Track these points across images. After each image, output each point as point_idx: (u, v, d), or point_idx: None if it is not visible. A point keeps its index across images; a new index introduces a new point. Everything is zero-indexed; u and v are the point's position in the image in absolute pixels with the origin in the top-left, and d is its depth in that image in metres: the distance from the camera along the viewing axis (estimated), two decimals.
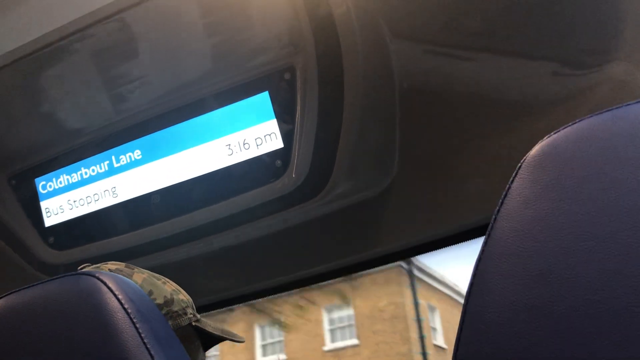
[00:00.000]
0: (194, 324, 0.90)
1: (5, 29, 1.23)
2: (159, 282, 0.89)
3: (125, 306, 0.55)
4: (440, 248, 1.35)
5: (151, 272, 0.92)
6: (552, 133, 0.46)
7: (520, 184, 0.44)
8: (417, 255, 1.38)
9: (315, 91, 1.21)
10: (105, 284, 0.57)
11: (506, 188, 0.45)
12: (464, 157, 1.26)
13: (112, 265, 0.89)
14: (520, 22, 1.11)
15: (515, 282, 0.41)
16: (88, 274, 0.59)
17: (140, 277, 0.87)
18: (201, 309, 1.52)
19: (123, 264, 0.91)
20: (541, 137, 1.20)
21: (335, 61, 1.17)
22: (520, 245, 0.41)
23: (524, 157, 0.46)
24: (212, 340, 0.95)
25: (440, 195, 1.31)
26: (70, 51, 1.23)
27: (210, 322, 0.95)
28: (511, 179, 0.45)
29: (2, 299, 0.62)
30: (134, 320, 0.54)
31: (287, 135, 1.24)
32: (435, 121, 1.24)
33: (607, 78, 1.09)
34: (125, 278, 0.61)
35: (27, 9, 1.20)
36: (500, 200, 0.45)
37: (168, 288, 0.90)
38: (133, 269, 0.89)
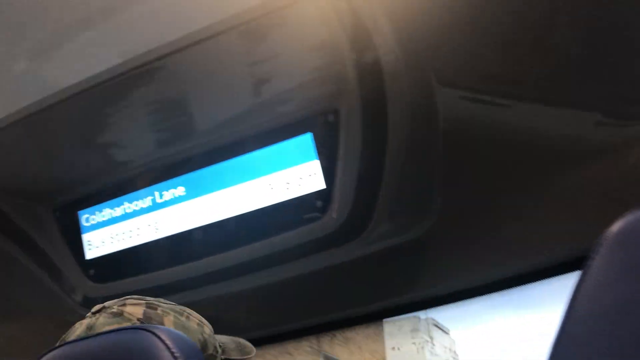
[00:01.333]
0: (222, 358, 0.89)
1: (54, 67, 1.27)
2: (184, 319, 0.87)
3: None
4: (479, 295, 1.32)
5: (174, 308, 0.88)
6: (635, 209, 0.44)
7: (601, 262, 0.43)
8: (456, 300, 1.36)
9: (358, 134, 1.21)
10: (161, 339, 0.57)
11: (587, 265, 0.44)
12: (505, 203, 1.25)
13: (134, 308, 0.84)
14: (562, 72, 1.10)
15: None
16: (144, 328, 0.59)
17: (170, 320, 0.85)
18: None
19: (144, 302, 0.86)
20: (584, 188, 1.18)
21: (379, 106, 1.17)
22: (599, 329, 0.40)
23: (604, 234, 0.44)
24: None
25: (480, 242, 1.29)
26: (119, 90, 1.26)
27: (226, 341, 0.94)
28: (592, 254, 0.44)
29: (53, 352, 0.63)
30: None
31: (329, 176, 1.24)
32: (478, 168, 1.23)
33: None
34: (180, 333, 0.61)
35: (74, 49, 1.23)
36: (580, 278, 0.44)
37: (194, 324, 0.87)
38: (157, 309, 0.85)
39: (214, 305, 1.36)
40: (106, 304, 0.86)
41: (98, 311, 0.84)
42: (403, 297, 1.40)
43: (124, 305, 0.85)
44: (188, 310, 0.91)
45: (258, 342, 1.50)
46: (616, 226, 0.44)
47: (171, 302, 0.90)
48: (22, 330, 1.56)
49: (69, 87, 1.24)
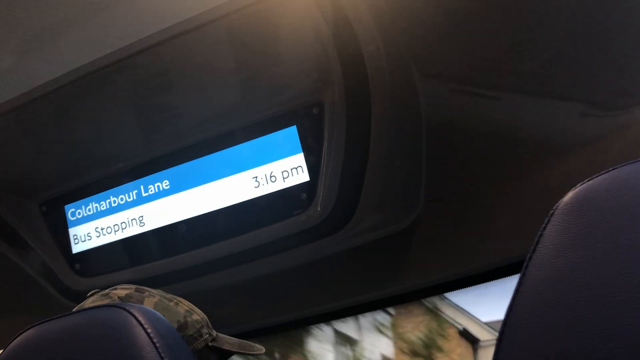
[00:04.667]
0: (210, 344, 0.89)
1: (41, 60, 1.27)
2: (171, 304, 0.89)
3: (154, 340, 0.56)
4: (465, 287, 1.33)
5: (163, 293, 0.91)
6: (585, 181, 0.45)
7: (552, 231, 0.44)
8: (441, 293, 1.36)
9: (342, 126, 1.22)
10: (134, 317, 0.58)
11: (537, 235, 0.45)
12: (490, 195, 1.26)
13: (122, 290, 0.89)
14: (548, 63, 1.11)
15: (547, 333, 0.40)
16: (118, 306, 0.60)
17: (152, 301, 0.87)
18: None
19: (134, 287, 0.91)
20: (569, 178, 1.19)
21: (363, 97, 1.18)
22: (552, 294, 0.41)
23: (556, 204, 0.45)
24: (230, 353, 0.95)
25: (465, 233, 1.30)
26: (103, 83, 1.26)
27: (227, 337, 0.95)
28: (543, 225, 0.45)
29: (32, 329, 0.63)
30: (162, 355, 0.55)
31: (313, 169, 1.25)
32: (461, 159, 1.24)
33: (636, 120, 1.08)
34: (155, 311, 0.61)
35: (61, 43, 1.23)
36: (532, 247, 0.44)
37: (181, 310, 0.89)
38: (143, 293, 0.89)
39: (199, 299, 1.36)
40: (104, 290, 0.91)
41: (92, 294, 0.90)
42: (391, 290, 1.41)
43: (115, 289, 0.90)
44: (180, 299, 0.92)
45: (245, 336, 1.50)
46: (566, 198, 0.45)
47: (164, 292, 0.92)
48: (6, 325, 1.56)
49: (54, 79, 1.24)
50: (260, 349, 0.98)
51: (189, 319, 0.88)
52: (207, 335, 0.89)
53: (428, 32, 1.09)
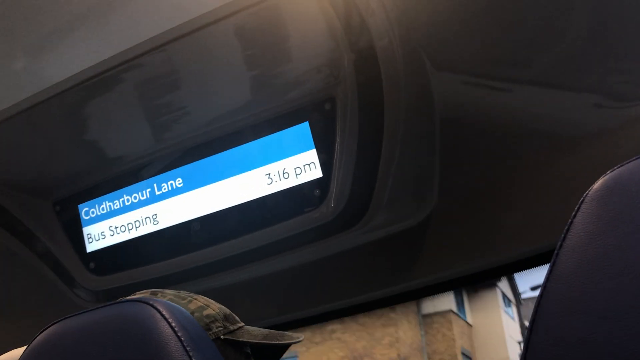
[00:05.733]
0: (223, 337, 0.85)
1: (52, 61, 1.28)
2: (183, 302, 0.87)
3: (179, 334, 0.56)
4: (479, 282, 1.32)
5: (177, 292, 0.89)
6: (615, 168, 0.45)
7: (583, 219, 0.43)
8: (454, 288, 1.36)
9: (355, 122, 1.21)
10: (158, 311, 0.58)
11: (568, 222, 0.44)
12: (504, 188, 1.25)
13: (138, 295, 0.88)
14: (561, 54, 1.11)
15: (580, 320, 0.40)
16: (141, 300, 0.60)
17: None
18: None
19: (149, 291, 0.89)
20: (585, 170, 1.18)
21: (375, 92, 1.18)
22: (585, 281, 0.41)
23: (586, 192, 0.45)
24: (271, 348, 0.91)
25: (479, 227, 1.29)
26: (115, 82, 1.27)
27: (254, 329, 0.90)
28: (574, 213, 0.45)
29: (56, 324, 0.63)
30: (187, 348, 0.55)
31: (326, 165, 1.24)
32: (475, 152, 1.23)
33: None
34: (179, 306, 0.61)
35: (71, 43, 1.24)
36: (563, 235, 0.44)
37: (192, 306, 0.86)
38: (156, 295, 0.87)
39: (212, 296, 1.36)
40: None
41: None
42: (405, 285, 1.40)
43: (134, 295, 0.88)
44: (195, 295, 0.90)
45: None
46: (597, 185, 0.45)
47: (181, 292, 0.91)
48: (21, 325, 1.56)
49: (66, 79, 1.25)
50: (292, 337, 0.92)
51: (196, 314, 0.85)
52: (220, 329, 0.86)
53: (441, 25, 1.08)
